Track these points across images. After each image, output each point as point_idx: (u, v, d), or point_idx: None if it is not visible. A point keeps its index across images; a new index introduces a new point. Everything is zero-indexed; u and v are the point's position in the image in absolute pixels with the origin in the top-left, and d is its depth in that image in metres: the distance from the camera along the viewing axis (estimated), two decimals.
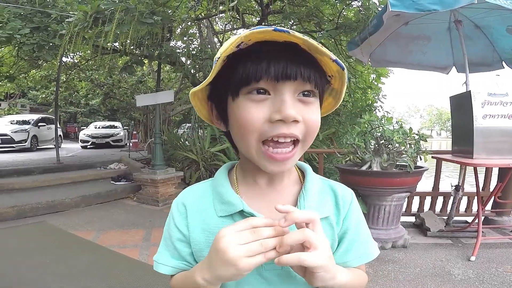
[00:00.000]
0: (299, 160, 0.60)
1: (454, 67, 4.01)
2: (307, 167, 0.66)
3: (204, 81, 0.55)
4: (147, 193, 4.70)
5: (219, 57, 0.50)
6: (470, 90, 2.67)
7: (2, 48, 6.30)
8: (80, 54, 7.80)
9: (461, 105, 2.75)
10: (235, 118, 0.54)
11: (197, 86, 0.56)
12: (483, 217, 3.04)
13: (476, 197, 2.94)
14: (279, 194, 0.61)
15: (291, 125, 0.50)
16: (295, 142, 0.54)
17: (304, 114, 0.52)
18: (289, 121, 0.50)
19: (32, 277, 2.26)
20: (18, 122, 11.93)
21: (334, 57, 0.51)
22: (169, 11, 4.01)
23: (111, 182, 5.49)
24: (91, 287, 2.14)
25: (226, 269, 0.46)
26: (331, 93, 0.62)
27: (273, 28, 0.48)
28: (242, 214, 0.57)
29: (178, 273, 0.62)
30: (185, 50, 4.89)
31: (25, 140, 11.00)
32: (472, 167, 2.70)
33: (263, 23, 5.71)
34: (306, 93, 0.53)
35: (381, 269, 2.37)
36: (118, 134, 14.86)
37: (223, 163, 5.21)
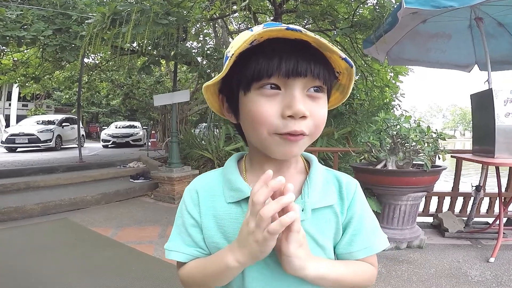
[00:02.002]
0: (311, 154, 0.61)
1: (476, 65, 3.88)
2: (313, 158, 0.68)
3: (217, 76, 0.57)
4: (164, 191, 4.79)
5: (232, 54, 0.52)
6: (491, 88, 2.59)
7: (28, 50, 6.58)
8: (101, 55, 8.03)
9: (482, 103, 2.66)
10: (247, 112, 0.55)
11: (210, 80, 0.58)
12: (505, 218, 2.93)
13: (498, 198, 2.84)
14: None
15: (299, 120, 0.52)
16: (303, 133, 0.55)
17: (312, 109, 0.53)
18: (298, 117, 0.51)
19: (53, 272, 2.35)
20: (43, 122, 12.44)
21: (343, 55, 0.52)
22: (184, 12, 4.07)
23: (130, 180, 5.64)
24: (107, 281, 2.21)
25: (255, 247, 0.49)
26: (338, 88, 0.64)
27: (285, 27, 0.49)
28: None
29: (192, 260, 0.62)
30: (200, 50, 4.94)
31: (50, 140, 11.45)
32: (494, 167, 2.61)
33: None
34: (315, 88, 0.54)
35: (394, 269, 2.33)
36: (137, 133, 15.28)
37: None
